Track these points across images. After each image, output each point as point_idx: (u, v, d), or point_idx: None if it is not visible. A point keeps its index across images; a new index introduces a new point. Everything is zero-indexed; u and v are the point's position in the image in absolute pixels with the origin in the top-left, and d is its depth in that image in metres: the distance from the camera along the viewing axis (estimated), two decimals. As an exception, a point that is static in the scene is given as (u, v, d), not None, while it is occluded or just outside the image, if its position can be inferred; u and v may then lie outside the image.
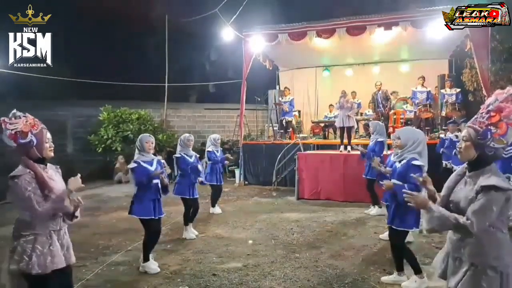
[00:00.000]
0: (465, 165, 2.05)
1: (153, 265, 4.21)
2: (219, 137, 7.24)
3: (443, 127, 9.77)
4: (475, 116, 1.96)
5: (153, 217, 4.13)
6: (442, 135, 7.46)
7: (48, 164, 2.53)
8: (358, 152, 6.97)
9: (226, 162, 7.25)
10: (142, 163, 4.12)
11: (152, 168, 4.16)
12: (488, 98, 1.98)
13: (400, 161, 3.61)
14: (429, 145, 4.30)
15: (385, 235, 5.06)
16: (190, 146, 5.64)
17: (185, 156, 5.53)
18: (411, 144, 3.52)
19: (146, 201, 4.10)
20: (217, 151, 7.04)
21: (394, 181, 3.58)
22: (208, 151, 6.99)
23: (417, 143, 3.52)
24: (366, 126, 11.24)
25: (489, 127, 1.87)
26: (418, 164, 3.42)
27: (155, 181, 4.12)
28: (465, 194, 1.93)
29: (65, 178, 2.58)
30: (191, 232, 5.54)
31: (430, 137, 9.10)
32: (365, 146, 7.19)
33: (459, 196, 1.97)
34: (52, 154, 2.45)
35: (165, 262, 4.45)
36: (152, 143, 4.22)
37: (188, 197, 5.46)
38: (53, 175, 2.49)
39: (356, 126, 9.73)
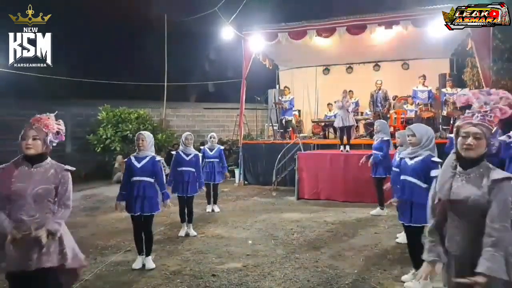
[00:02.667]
0: (452, 161, 2.01)
1: (136, 262, 4.24)
2: (212, 135, 7.19)
3: (444, 127, 9.73)
4: (475, 115, 1.96)
5: (132, 214, 4.18)
6: (450, 135, 7.39)
7: (50, 163, 2.46)
8: (358, 152, 6.93)
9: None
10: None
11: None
12: (476, 99, 2.01)
13: (412, 158, 3.52)
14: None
15: (401, 239, 4.85)
16: (189, 144, 5.64)
17: (182, 154, 5.57)
18: (425, 140, 3.46)
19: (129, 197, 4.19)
20: (211, 149, 6.99)
21: (410, 178, 3.49)
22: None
23: (431, 139, 3.48)
24: (367, 126, 11.21)
25: (497, 126, 1.91)
26: (437, 161, 3.37)
27: (135, 178, 4.13)
28: (473, 191, 1.88)
29: None
30: (183, 230, 5.56)
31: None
32: (366, 145, 7.15)
33: (464, 195, 1.91)
34: (27, 151, 2.37)
35: (164, 262, 4.41)
36: None
37: (180, 194, 5.48)
38: (33, 174, 2.39)
39: (355, 125, 9.68)
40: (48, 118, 2.48)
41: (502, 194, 1.81)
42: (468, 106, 2.08)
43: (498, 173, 1.86)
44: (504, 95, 2.01)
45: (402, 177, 3.58)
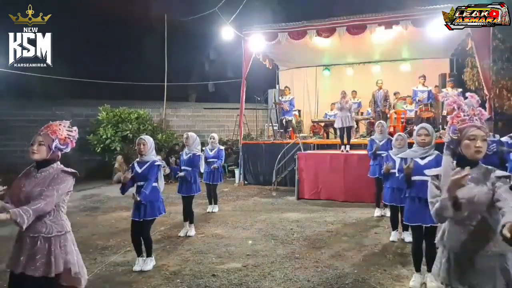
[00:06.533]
0: (451, 163, 2.02)
1: (136, 264, 4.23)
2: (212, 135, 7.18)
3: (444, 127, 9.74)
4: (471, 118, 2.00)
5: (132, 219, 4.19)
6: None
7: (56, 168, 2.47)
8: (357, 152, 6.92)
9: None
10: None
11: None
12: (462, 101, 2.06)
13: (423, 158, 3.50)
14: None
15: (410, 238, 4.72)
16: (188, 144, 5.67)
17: (183, 153, 5.72)
18: (433, 140, 3.52)
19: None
20: (211, 149, 6.99)
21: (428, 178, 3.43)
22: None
23: (434, 139, 3.54)
24: (369, 126, 11.21)
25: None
26: None
27: (138, 183, 4.16)
28: (480, 189, 1.92)
29: None
30: (183, 230, 5.58)
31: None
32: (366, 145, 7.12)
33: (471, 194, 1.92)
34: (32, 156, 2.42)
35: (164, 262, 4.41)
36: None
37: (179, 193, 5.61)
38: (37, 179, 2.41)
39: (355, 126, 9.68)
40: (60, 124, 2.50)
41: (505, 186, 1.86)
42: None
43: (499, 172, 1.94)
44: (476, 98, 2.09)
45: (414, 177, 3.48)
